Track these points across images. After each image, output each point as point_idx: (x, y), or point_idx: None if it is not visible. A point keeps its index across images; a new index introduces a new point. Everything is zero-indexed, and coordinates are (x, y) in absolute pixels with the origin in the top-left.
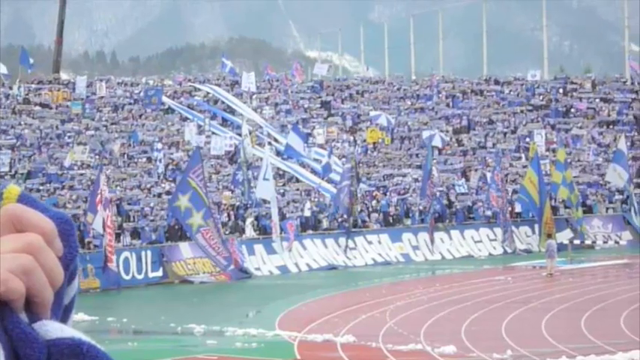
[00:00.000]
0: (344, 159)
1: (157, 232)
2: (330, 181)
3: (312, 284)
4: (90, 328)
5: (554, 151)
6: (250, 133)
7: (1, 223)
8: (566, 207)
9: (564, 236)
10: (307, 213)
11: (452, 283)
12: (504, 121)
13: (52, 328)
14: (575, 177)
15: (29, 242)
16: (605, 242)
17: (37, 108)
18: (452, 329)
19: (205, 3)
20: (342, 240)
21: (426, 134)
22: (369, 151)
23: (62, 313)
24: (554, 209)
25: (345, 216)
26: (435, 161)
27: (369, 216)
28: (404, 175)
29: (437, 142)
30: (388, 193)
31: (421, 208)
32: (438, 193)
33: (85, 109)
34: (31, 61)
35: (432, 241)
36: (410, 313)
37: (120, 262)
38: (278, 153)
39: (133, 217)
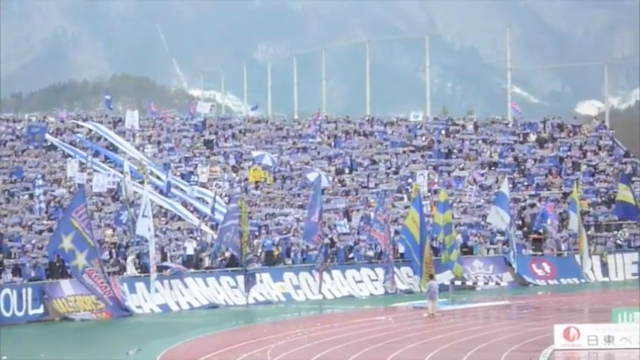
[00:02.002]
0: (226, 198)
1: (38, 269)
2: (211, 219)
3: (194, 323)
4: None
5: (436, 192)
6: (140, 171)
7: None
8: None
9: (445, 277)
10: (190, 251)
11: (333, 323)
12: (387, 161)
13: None
14: (456, 218)
15: None
16: (486, 283)
17: None
18: None
19: (88, 40)
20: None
21: (311, 176)
22: (250, 191)
23: None
24: (435, 250)
25: (227, 254)
26: None
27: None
28: (286, 215)
29: (324, 182)
30: (270, 233)
31: (303, 247)
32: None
33: None
34: None
35: (321, 281)
36: (291, 353)
37: (0, 299)
38: (161, 191)
39: (14, 254)
